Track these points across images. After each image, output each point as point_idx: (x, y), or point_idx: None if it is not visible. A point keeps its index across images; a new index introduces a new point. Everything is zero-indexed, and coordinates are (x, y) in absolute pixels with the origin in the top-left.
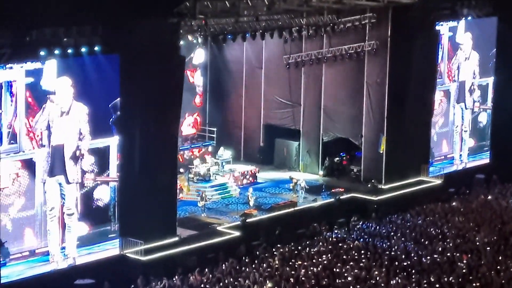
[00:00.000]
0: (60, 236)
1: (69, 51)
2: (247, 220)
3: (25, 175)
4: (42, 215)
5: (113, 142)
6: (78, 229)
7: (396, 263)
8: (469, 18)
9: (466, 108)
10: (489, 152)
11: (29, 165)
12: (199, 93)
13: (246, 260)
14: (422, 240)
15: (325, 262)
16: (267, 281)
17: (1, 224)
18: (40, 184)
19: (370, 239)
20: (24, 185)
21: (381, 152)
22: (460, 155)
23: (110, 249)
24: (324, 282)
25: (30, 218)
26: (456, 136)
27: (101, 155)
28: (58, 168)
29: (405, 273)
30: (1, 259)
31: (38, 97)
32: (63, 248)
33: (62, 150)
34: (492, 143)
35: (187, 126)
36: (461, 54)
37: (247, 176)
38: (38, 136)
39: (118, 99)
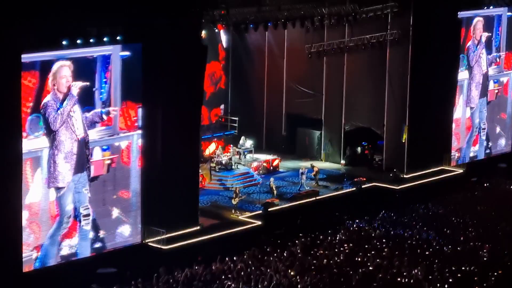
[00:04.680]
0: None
1: (91, 40)
2: (269, 209)
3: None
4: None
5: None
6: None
7: (418, 252)
8: (491, 7)
9: (486, 104)
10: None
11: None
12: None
13: (268, 249)
14: (444, 229)
15: (347, 251)
16: (289, 270)
17: None
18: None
19: (392, 228)
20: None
21: (403, 141)
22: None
23: None
24: (345, 271)
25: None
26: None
27: None
28: (83, 163)
29: (427, 262)
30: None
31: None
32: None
33: (84, 142)
34: None
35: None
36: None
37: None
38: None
39: None
